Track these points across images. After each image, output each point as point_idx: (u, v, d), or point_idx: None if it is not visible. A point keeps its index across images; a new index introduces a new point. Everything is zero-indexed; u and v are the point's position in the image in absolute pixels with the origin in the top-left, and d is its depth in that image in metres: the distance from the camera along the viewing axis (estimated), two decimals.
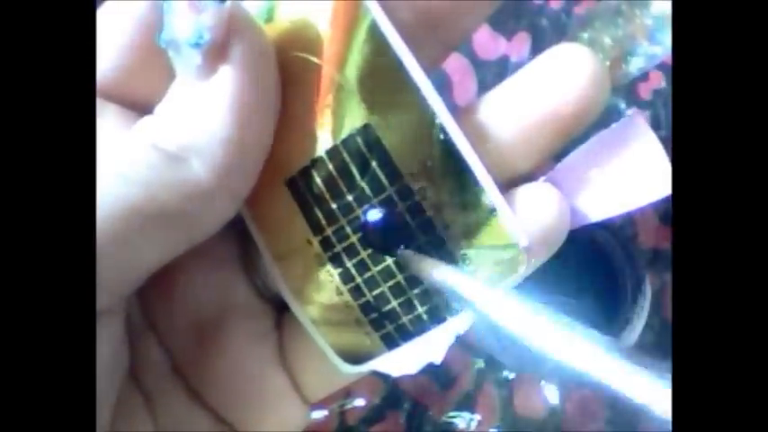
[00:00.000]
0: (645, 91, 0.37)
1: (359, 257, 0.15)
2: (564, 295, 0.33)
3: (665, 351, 0.37)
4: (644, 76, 0.38)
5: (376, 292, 0.15)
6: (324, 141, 0.15)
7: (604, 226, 0.32)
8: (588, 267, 0.33)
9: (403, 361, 0.16)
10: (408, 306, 0.15)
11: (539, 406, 0.37)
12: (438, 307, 0.15)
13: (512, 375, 0.37)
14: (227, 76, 0.13)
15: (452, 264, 0.15)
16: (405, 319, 0.15)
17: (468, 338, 0.37)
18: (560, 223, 0.15)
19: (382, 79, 0.14)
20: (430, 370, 0.37)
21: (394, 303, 0.15)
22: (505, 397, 0.37)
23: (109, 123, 0.14)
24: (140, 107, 0.14)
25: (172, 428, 0.16)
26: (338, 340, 0.16)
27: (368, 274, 0.15)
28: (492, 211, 0.14)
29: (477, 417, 0.36)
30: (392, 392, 0.36)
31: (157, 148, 0.13)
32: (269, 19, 0.14)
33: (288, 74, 0.14)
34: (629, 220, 0.37)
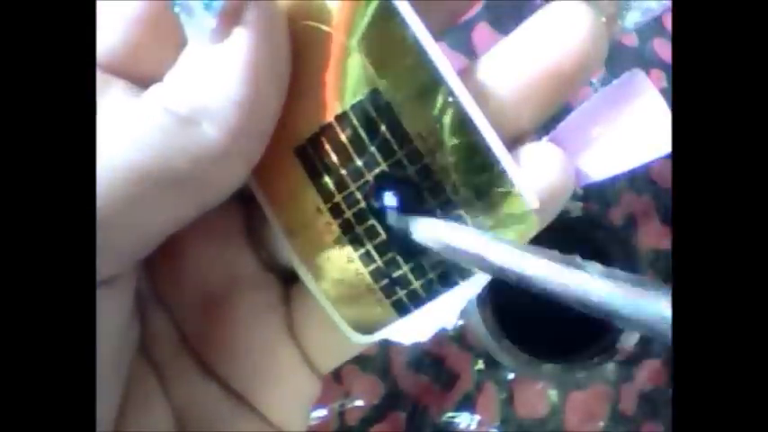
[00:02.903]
0: None
1: (369, 223, 0.15)
2: None
3: (666, 351, 0.37)
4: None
5: (386, 257, 0.15)
6: (333, 108, 0.15)
7: (604, 226, 0.32)
8: None
9: (415, 328, 0.16)
10: (419, 271, 0.15)
11: (539, 406, 0.37)
12: (449, 271, 0.15)
13: (512, 375, 0.37)
14: (241, 39, 0.13)
15: (462, 224, 0.15)
16: (416, 285, 0.15)
17: (468, 338, 0.37)
18: (565, 183, 0.15)
19: (390, 45, 0.14)
20: (430, 370, 0.37)
21: (405, 269, 0.15)
22: (505, 397, 0.37)
23: (117, 97, 0.14)
24: (148, 83, 0.14)
25: (185, 402, 0.16)
26: (349, 310, 0.16)
27: (378, 240, 0.15)
28: (501, 172, 0.14)
29: (477, 417, 0.36)
30: (392, 392, 0.36)
31: (169, 111, 0.13)
32: None
33: (297, 43, 0.14)
34: (630, 220, 0.37)
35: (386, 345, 0.36)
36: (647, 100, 0.15)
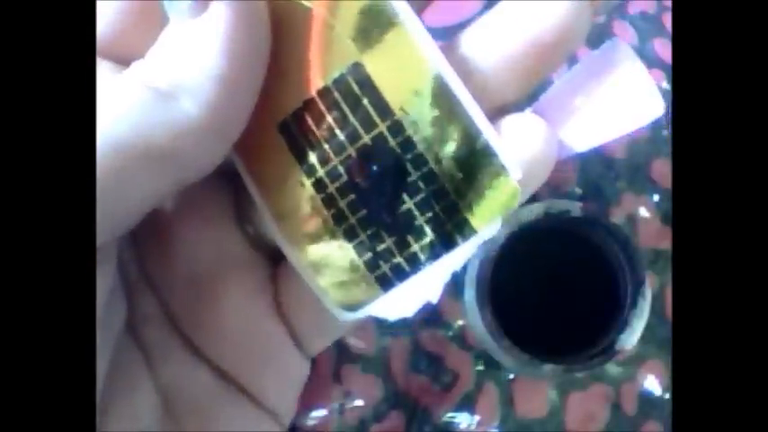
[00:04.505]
0: None
1: (351, 197, 0.15)
2: (563, 297, 0.33)
3: (666, 351, 0.37)
4: None
5: (370, 231, 0.15)
6: (315, 83, 0.15)
7: (604, 226, 0.32)
8: (587, 269, 0.33)
9: (399, 303, 0.16)
10: (403, 244, 0.15)
11: (539, 406, 0.37)
12: (433, 243, 0.15)
13: (512, 375, 0.37)
14: (219, 14, 0.13)
15: (445, 197, 0.15)
16: (399, 258, 0.15)
17: (468, 338, 0.37)
18: (547, 153, 0.15)
19: (371, 19, 0.14)
20: (430, 370, 0.37)
21: (388, 242, 0.15)
22: (505, 397, 0.37)
23: (102, 77, 0.14)
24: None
25: (171, 382, 0.16)
26: (334, 286, 0.16)
27: (361, 214, 0.15)
28: (484, 143, 0.14)
29: (477, 417, 0.36)
30: (392, 392, 0.36)
31: (148, 86, 0.13)
32: None
33: (278, 19, 0.14)
34: (630, 220, 0.37)
35: (386, 345, 0.36)
36: (628, 69, 0.15)
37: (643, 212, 0.38)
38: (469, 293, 0.33)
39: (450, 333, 0.37)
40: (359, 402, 0.36)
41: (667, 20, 0.39)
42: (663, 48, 0.38)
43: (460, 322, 0.37)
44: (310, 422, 0.35)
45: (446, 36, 0.15)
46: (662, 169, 0.37)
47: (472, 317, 0.33)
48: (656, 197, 0.38)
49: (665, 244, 0.37)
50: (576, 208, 0.31)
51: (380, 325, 0.36)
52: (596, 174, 0.37)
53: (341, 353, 0.36)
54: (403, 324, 0.36)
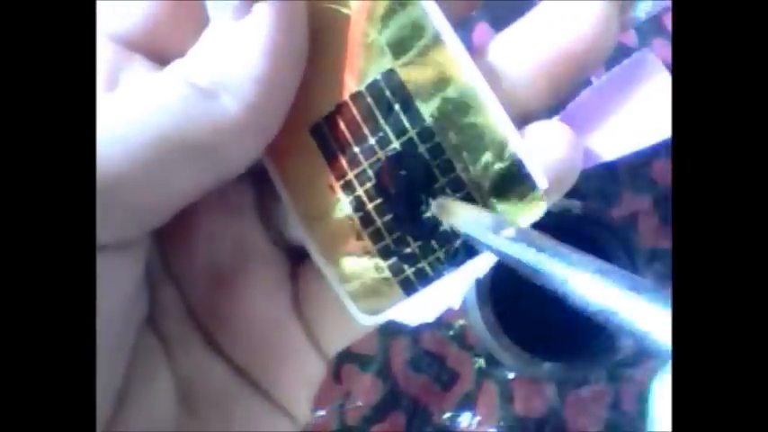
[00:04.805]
0: None
1: (379, 200, 0.15)
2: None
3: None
4: None
5: (395, 235, 0.16)
6: (349, 88, 0.15)
7: (604, 225, 0.32)
8: None
9: (421, 308, 0.16)
10: (428, 249, 0.15)
11: (538, 405, 0.37)
12: (457, 249, 0.15)
13: (512, 375, 0.37)
14: (262, 16, 0.13)
15: (471, 204, 0.15)
16: (424, 263, 0.16)
17: (468, 338, 0.37)
18: (573, 162, 0.15)
19: (407, 28, 0.15)
20: (430, 370, 0.37)
21: (413, 246, 0.15)
22: (505, 397, 0.37)
23: (139, 71, 0.14)
24: (168, 60, 0.14)
25: (189, 375, 0.16)
26: (357, 289, 0.16)
27: (387, 218, 0.15)
28: (511, 152, 0.15)
29: (478, 417, 0.36)
30: (392, 392, 0.36)
31: (189, 82, 0.13)
32: None
33: (317, 24, 0.15)
34: (630, 220, 0.37)
35: (386, 345, 0.36)
36: (657, 80, 0.15)
37: (643, 212, 0.38)
38: (469, 293, 0.33)
39: (451, 333, 0.37)
40: (359, 402, 0.36)
41: (667, 20, 0.39)
42: (663, 48, 0.38)
43: (460, 322, 0.37)
44: (310, 422, 0.35)
45: None
46: (662, 169, 0.37)
47: (472, 316, 0.33)
48: (655, 197, 0.38)
49: (665, 244, 0.37)
50: (576, 206, 0.31)
51: (381, 325, 0.36)
52: (596, 173, 0.38)
53: (341, 353, 0.36)
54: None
